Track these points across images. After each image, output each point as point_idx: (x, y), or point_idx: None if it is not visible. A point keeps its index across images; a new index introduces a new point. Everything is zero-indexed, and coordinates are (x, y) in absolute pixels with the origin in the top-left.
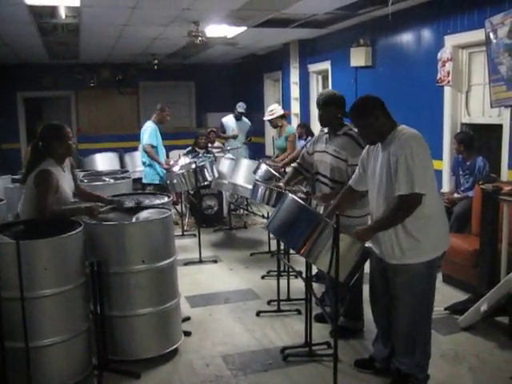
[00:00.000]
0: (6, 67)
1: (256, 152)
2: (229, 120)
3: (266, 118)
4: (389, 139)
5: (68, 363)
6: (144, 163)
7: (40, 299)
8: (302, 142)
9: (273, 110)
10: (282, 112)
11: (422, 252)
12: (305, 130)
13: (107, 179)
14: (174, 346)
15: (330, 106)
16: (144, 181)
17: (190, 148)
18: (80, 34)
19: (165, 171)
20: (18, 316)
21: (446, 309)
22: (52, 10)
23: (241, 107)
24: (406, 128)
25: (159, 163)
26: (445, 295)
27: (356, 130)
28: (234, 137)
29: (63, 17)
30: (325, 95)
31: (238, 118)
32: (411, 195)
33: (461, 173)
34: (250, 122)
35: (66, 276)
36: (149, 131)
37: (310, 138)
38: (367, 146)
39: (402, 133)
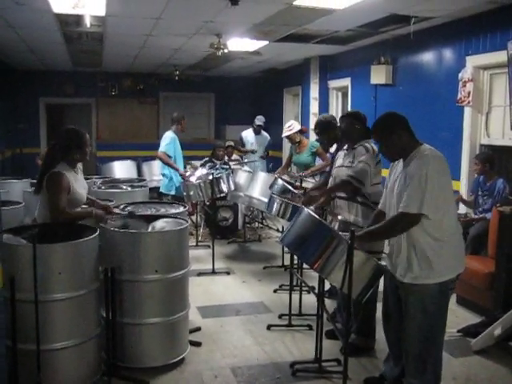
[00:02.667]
0: (30, 73)
1: (274, 166)
2: (248, 134)
3: (285, 134)
4: (410, 158)
5: (78, 368)
6: (164, 175)
7: (53, 303)
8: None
9: (291, 125)
10: (299, 127)
11: (436, 273)
12: (323, 147)
13: (124, 187)
14: (180, 357)
15: (352, 120)
16: (161, 190)
17: (207, 159)
18: (104, 43)
19: (181, 181)
20: (30, 318)
21: (458, 331)
22: (78, 19)
23: (259, 120)
24: (429, 148)
25: (175, 169)
26: (458, 317)
27: (372, 144)
28: (252, 151)
29: (88, 25)
30: (351, 111)
31: (256, 132)
32: (415, 215)
33: (480, 194)
34: (269, 136)
35: (79, 281)
36: (167, 140)
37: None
38: (391, 165)
39: (424, 153)
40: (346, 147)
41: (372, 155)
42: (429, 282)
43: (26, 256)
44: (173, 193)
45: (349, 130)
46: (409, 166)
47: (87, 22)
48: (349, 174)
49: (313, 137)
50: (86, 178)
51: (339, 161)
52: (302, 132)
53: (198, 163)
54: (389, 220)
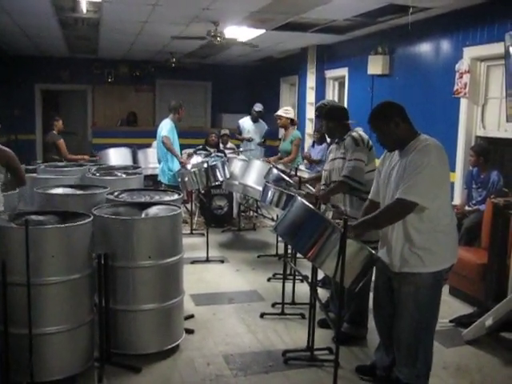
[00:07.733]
0: (25, 59)
1: (271, 155)
2: (245, 122)
3: (278, 113)
4: (408, 148)
5: (70, 353)
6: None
7: (46, 286)
8: (318, 148)
9: (288, 110)
10: (293, 117)
11: (431, 263)
12: (321, 134)
13: (119, 174)
14: (175, 344)
15: (333, 120)
16: (159, 179)
17: (200, 146)
18: (100, 29)
19: (179, 168)
20: (22, 302)
21: (451, 321)
22: (74, 4)
23: (258, 107)
24: (429, 138)
25: (176, 156)
26: (451, 307)
27: (360, 132)
28: (249, 139)
29: (84, 11)
30: (327, 108)
31: (254, 120)
32: (412, 203)
33: (474, 186)
34: (266, 125)
35: (72, 265)
36: (168, 127)
37: (325, 144)
38: (384, 154)
39: (425, 144)
40: (336, 140)
41: (362, 146)
42: (423, 271)
43: (18, 239)
44: (166, 182)
45: (332, 130)
46: (409, 156)
47: (83, 7)
48: (344, 175)
49: (309, 127)
50: (81, 165)
51: (332, 154)
52: (293, 123)
53: (190, 150)
54: (384, 208)
